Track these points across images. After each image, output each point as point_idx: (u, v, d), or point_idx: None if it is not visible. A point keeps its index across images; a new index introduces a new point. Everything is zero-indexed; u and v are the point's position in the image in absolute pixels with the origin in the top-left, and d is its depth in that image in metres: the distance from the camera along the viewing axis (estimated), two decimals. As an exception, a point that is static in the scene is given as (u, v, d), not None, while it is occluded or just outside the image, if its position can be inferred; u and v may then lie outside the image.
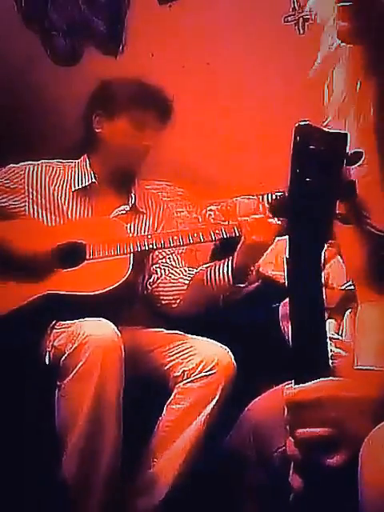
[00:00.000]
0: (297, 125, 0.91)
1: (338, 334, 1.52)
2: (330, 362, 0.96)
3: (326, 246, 0.94)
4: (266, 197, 1.94)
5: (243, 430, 1.45)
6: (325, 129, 0.93)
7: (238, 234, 1.96)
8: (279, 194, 1.96)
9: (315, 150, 0.90)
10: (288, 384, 0.96)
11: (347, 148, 0.91)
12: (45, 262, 2.04)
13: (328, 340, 0.96)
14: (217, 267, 2.03)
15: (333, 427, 0.90)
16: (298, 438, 0.93)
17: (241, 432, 1.46)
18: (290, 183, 0.93)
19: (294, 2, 2.45)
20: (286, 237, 0.96)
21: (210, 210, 2.26)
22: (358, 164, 0.93)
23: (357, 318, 1.16)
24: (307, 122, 0.91)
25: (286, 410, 0.94)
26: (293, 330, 0.96)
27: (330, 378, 0.93)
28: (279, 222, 1.87)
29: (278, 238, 1.96)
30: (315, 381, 0.92)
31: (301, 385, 0.93)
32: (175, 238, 2.03)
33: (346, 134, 0.92)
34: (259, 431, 1.37)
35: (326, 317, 1.58)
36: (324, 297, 0.95)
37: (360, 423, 0.91)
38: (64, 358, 1.83)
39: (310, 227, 0.92)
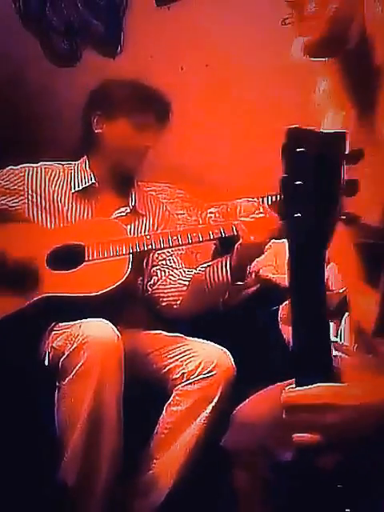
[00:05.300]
0: (287, 128, 0.90)
1: (336, 337, 1.52)
2: (334, 366, 0.96)
3: (325, 248, 0.93)
4: (267, 199, 1.94)
5: (234, 433, 1.46)
6: (321, 130, 0.92)
7: (236, 233, 1.96)
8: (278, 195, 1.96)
9: (305, 153, 0.89)
10: (289, 385, 0.96)
11: (346, 147, 0.90)
12: (41, 267, 2.04)
13: (331, 344, 0.96)
14: (215, 266, 2.04)
15: (328, 432, 0.91)
16: (294, 441, 0.93)
17: (232, 434, 1.47)
18: (280, 187, 0.92)
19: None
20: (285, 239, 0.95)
21: (211, 212, 2.25)
22: (359, 162, 0.91)
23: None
24: (297, 126, 0.90)
25: (284, 411, 0.95)
26: (295, 333, 0.95)
27: (332, 383, 0.93)
28: (279, 222, 1.87)
29: (277, 241, 1.97)
30: (315, 385, 0.92)
31: (301, 388, 0.93)
32: (174, 237, 2.03)
33: (343, 134, 0.90)
34: (251, 433, 1.38)
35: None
36: (326, 299, 0.94)
37: (356, 429, 0.91)
38: (63, 358, 1.84)
39: (306, 230, 0.91)
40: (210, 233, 2.01)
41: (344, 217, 0.92)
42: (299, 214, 0.91)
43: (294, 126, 0.90)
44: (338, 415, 0.90)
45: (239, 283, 2.03)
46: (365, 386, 0.95)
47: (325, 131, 0.91)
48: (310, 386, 0.92)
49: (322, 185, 0.90)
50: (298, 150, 0.89)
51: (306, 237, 0.91)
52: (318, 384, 0.92)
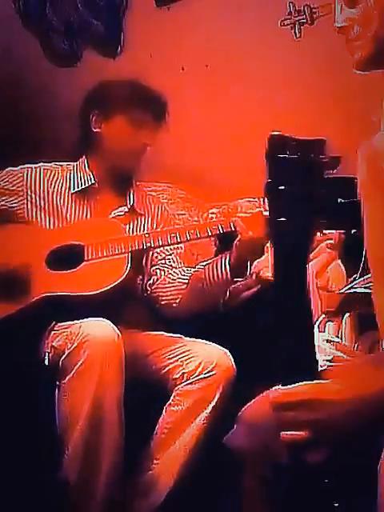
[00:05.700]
0: (269, 135, 0.94)
1: (337, 337, 1.53)
2: (318, 364, 0.98)
3: (309, 251, 0.96)
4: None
5: (239, 433, 1.46)
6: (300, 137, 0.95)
7: (234, 229, 1.96)
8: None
9: (286, 159, 0.93)
10: (276, 386, 0.98)
11: (325, 153, 0.94)
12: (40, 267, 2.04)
13: (315, 343, 0.97)
14: (215, 264, 2.04)
15: (315, 428, 0.92)
16: (283, 439, 0.95)
17: (237, 434, 1.47)
18: (265, 192, 0.95)
19: (290, 7, 2.46)
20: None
21: (212, 212, 2.25)
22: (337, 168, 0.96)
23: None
24: (278, 133, 0.94)
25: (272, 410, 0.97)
26: (281, 335, 0.97)
27: (316, 381, 0.95)
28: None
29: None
30: (301, 383, 0.93)
31: (287, 387, 0.94)
32: (172, 235, 2.03)
33: (322, 140, 0.95)
34: (254, 433, 1.39)
35: (325, 320, 1.58)
36: (310, 300, 0.96)
37: (342, 424, 0.93)
38: (63, 357, 1.83)
39: (290, 233, 0.94)
40: (208, 229, 2.01)
41: (324, 221, 0.96)
42: (283, 219, 0.94)
43: (275, 133, 0.94)
44: (323, 411, 0.93)
45: (239, 280, 2.02)
46: (349, 381, 0.98)
47: (305, 138, 0.95)
48: (295, 385, 0.93)
49: (304, 190, 0.93)
50: (279, 155, 0.93)
51: (290, 240, 0.94)
52: (303, 382, 0.93)
